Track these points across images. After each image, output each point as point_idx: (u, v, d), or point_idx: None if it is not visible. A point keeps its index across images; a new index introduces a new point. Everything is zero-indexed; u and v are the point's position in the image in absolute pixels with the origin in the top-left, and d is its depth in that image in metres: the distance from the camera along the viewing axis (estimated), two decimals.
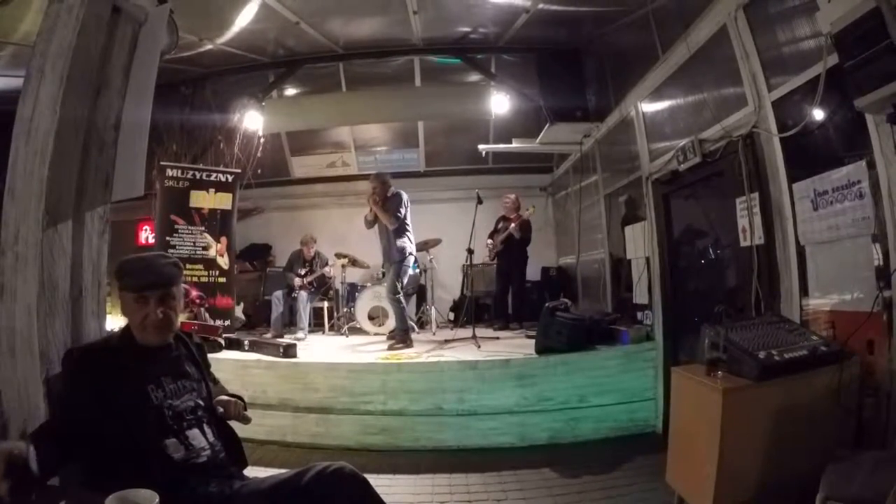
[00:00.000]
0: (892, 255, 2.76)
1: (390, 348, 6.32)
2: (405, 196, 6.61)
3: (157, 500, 1.59)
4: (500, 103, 8.49)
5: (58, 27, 2.40)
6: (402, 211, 6.51)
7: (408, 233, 6.63)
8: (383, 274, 7.05)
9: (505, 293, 8.25)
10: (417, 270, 8.41)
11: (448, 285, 9.80)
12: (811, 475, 2.43)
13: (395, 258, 6.53)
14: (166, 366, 2.24)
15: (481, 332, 6.91)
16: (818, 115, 3.31)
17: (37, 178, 2.27)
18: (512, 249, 7.91)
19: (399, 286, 6.52)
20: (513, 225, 7.79)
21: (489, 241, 8.13)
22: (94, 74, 2.54)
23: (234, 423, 2.43)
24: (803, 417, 2.84)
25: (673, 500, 3.42)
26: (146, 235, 9.28)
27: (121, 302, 2.16)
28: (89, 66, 2.50)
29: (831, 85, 3.07)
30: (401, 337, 6.51)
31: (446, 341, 6.68)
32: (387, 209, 6.44)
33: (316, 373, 5.39)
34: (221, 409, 2.38)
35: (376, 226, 6.67)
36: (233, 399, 2.45)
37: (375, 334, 7.74)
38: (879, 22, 2.45)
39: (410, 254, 6.64)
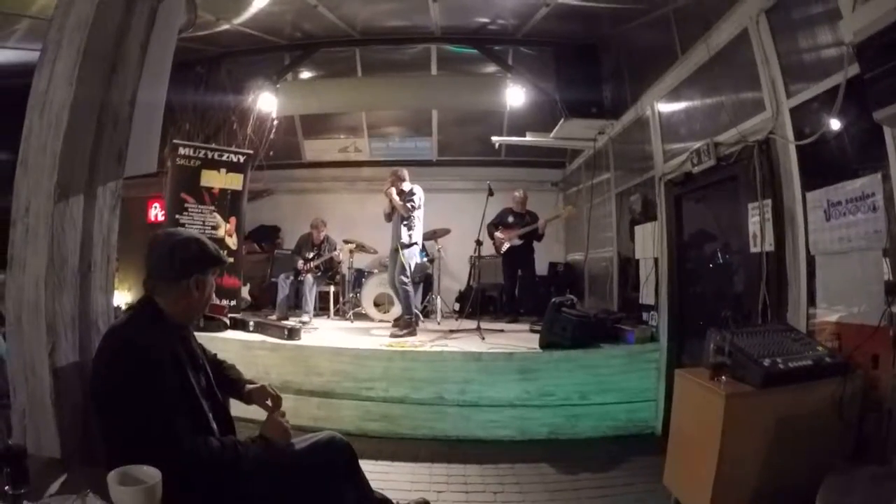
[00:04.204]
0: None
1: (392, 335, 6.35)
2: (420, 191, 6.81)
3: (159, 477, 1.60)
4: (515, 96, 8.43)
5: (76, 0, 2.40)
6: (416, 202, 6.68)
7: (416, 225, 6.75)
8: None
9: (514, 286, 8.27)
10: (425, 259, 8.42)
11: (455, 276, 9.80)
12: (808, 486, 2.44)
13: (397, 244, 6.70)
14: (190, 345, 2.30)
15: (486, 324, 6.91)
16: (836, 124, 3.28)
17: (50, 151, 2.26)
18: (524, 245, 7.95)
19: (408, 271, 6.60)
20: (541, 221, 7.82)
21: (499, 234, 8.10)
22: (111, 49, 2.53)
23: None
24: (804, 427, 2.83)
25: (669, 501, 3.43)
26: (156, 212, 9.31)
27: (200, 283, 2.19)
28: (106, 41, 2.49)
29: (851, 95, 3.03)
30: (405, 323, 6.54)
31: (451, 331, 6.69)
32: (402, 199, 6.67)
33: (319, 356, 5.42)
34: (268, 402, 2.55)
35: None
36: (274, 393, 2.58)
37: (380, 321, 7.76)
38: None
39: (415, 243, 6.74)
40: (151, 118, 2.81)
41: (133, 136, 2.68)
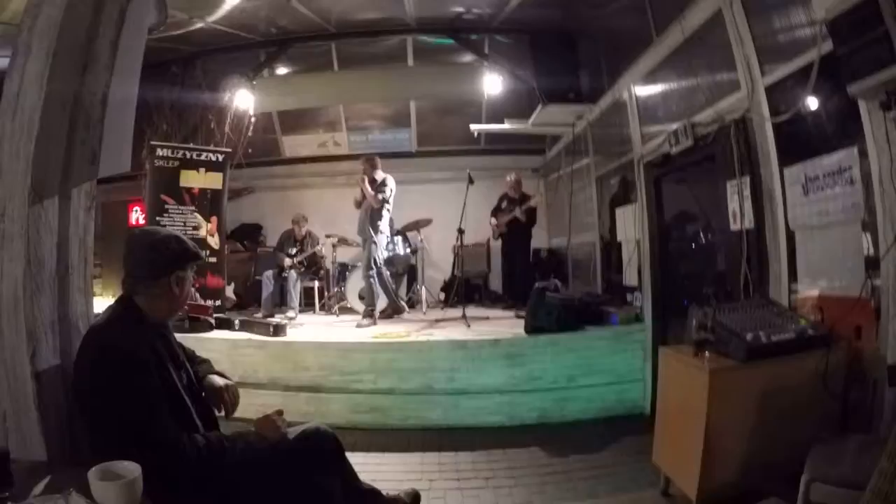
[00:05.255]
0: (882, 241, 2.78)
1: (358, 325, 6.55)
2: (392, 182, 6.95)
3: (139, 472, 1.61)
4: (492, 84, 8.43)
5: (45, 3, 2.36)
6: (387, 194, 6.83)
7: (385, 214, 6.92)
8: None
9: (510, 272, 8.36)
10: (408, 250, 8.42)
11: (439, 265, 9.80)
12: (796, 457, 2.47)
13: (367, 234, 6.86)
14: (170, 343, 2.29)
15: (471, 311, 6.91)
16: (811, 101, 3.30)
17: (23, 155, 2.24)
18: (518, 231, 8.02)
19: (374, 263, 6.84)
20: (518, 209, 7.86)
21: (493, 220, 8.19)
22: (81, 51, 2.50)
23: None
24: (789, 400, 2.87)
25: (659, 480, 3.46)
26: (136, 216, 9.24)
27: (180, 280, 2.20)
28: (76, 43, 2.46)
29: (825, 72, 3.05)
30: (366, 313, 6.80)
31: (436, 321, 6.69)
32: (374, 190, 6.82)
33: (306, 352, 5.41)
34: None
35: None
36: (228, 385, 2.46)
37: None
38: (874, 9, 2.44)
39: (381, 232, 6.90)
40: (124, 117, 2.78)
41: (106, 136, 2.65)
